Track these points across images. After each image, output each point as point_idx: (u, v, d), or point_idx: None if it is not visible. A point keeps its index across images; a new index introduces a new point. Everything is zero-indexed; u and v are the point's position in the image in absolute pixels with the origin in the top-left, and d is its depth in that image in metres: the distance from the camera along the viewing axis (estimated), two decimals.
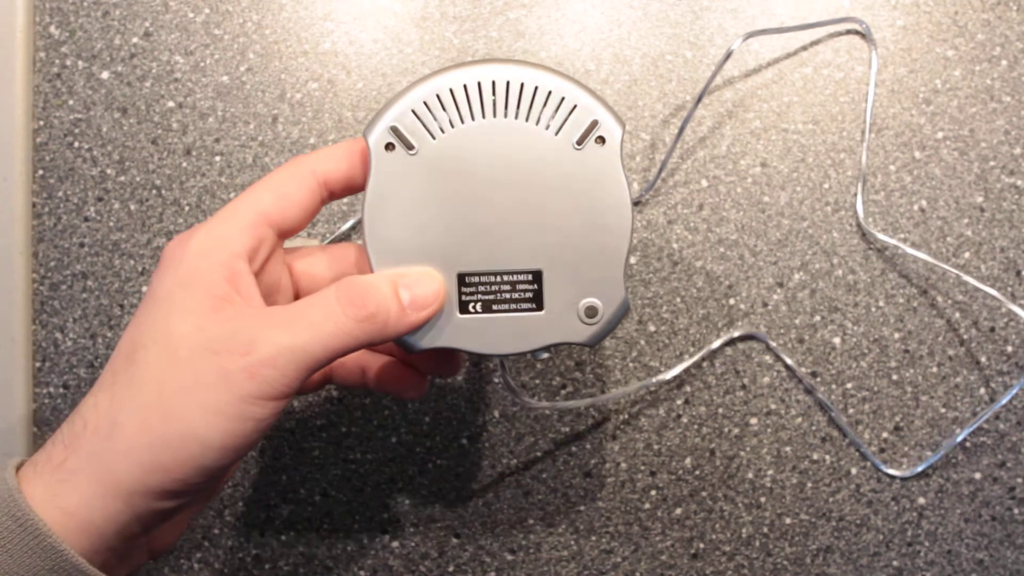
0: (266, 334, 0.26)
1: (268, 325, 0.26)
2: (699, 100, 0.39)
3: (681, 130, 0.40)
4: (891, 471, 0.41)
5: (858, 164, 0.41)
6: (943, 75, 0.42)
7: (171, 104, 0.42)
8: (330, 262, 0.32)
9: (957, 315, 0.41)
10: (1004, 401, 0.40)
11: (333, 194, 0.30)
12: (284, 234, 0.29)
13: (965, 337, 0.41)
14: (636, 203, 0.41)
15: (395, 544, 0.42)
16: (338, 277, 0.31)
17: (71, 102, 0.42)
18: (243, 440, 0.26)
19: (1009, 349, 0.41)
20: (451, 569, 0.41)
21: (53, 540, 0.24)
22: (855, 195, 0.41)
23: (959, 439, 0.41)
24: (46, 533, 0.24)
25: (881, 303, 0.41)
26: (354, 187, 0.30)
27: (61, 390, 0.41)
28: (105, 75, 0.42)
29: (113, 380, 0.26)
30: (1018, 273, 0.41)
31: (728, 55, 0.39)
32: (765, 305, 0.41)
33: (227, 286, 0.27)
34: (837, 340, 0.41)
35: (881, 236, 0.41)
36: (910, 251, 0.40)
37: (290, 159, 0.30)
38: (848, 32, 0.42)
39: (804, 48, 0.42)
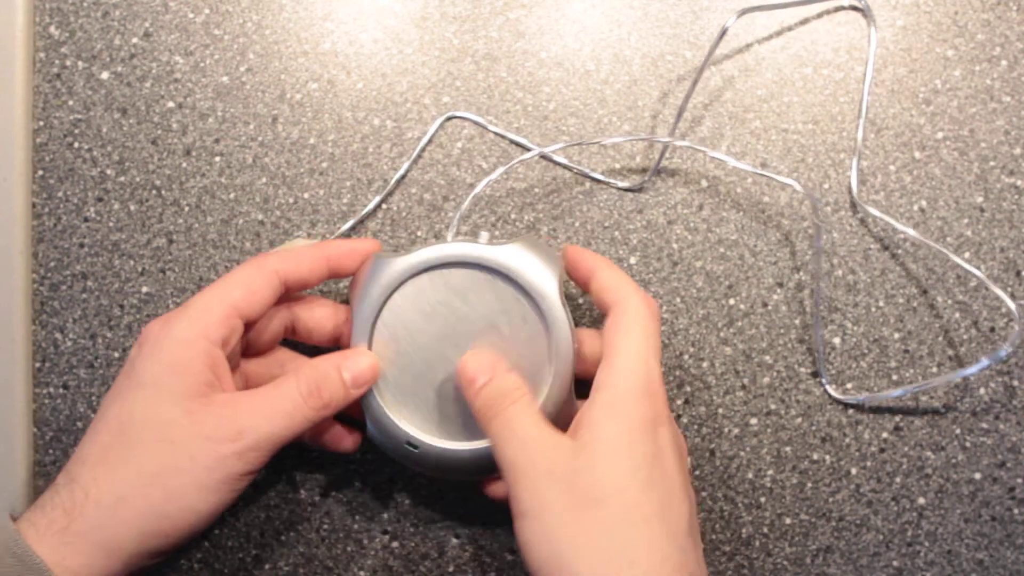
0: (251, 423, 0.31)
1: (250, 415, 0.32)
2: (704, 65, 0.39)
3: (689, 92, 0.40)
4: (834, 393, 0.41)
5: (859, 163, 0.41)
6: (943, 75, 0.42)
7: (171, 104, 0.42)
8: (332, 313, 0.37)
9: (957, 315, 0.41)
10: (973, 370, 0.39)
11: (289, 291, 0.36)
12: (249, 323, 0.34)
13: (965, 337, 0.41)
14: (639, 189, 0.41)
15: (395, 544, 0.42)
16: (339, 325, 0.37)
17: (71, 102, 0.42)
18: (226, 506, 0.32)
19: (1009, 349, 0.41)
20: (451, 569, 0.41)
21: None
22: (855, 195, 0.41)
23: (914, 389, 0.41)
24: None
25: (881, 303, 0.41)
26: (307, 286, 0.36)
27: (61, 390, 0.41)
28: (105, 75, 0.42)
29: (106, 455, 0.31)
30: (1018, 273, 0.41)
31: (723, 32, 0.38)
32: (765, 305, 0.41)
33: (210, 373, 0.32)
34: (837, 340, 0.41)
35: (873, 211, 0.41)
36: (900, 227, 0.41)
37: (254, 257, 0.35)
38: (847, 8, 0.42)
39: (804, 48, 0.42)
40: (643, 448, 0.30)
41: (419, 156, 0.41)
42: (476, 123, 0.41)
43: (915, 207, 0.41)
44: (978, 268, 0.41)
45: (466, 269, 0.34)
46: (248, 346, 0.37)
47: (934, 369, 0.41)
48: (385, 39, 0.42)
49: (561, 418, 0.34)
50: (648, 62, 0.42)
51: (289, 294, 0.36)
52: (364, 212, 0.41)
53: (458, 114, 0.41)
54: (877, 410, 0.41)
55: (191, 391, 0.31)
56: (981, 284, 0.41)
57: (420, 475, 0.41)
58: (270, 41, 0.42)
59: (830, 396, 0.41)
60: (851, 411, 0.41)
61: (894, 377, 0.41)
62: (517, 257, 0.34)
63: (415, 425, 0.35)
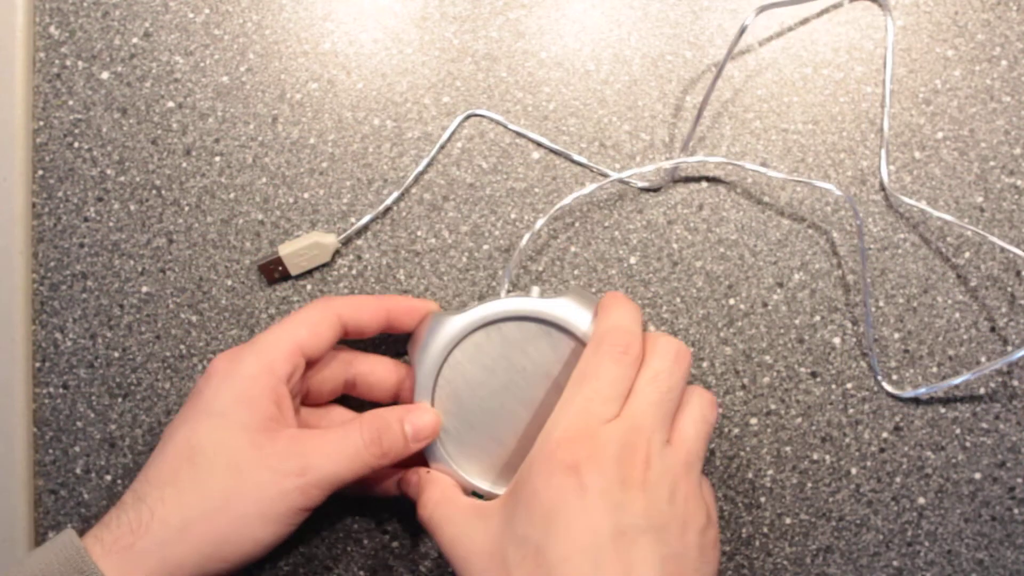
0: (316, 461, 0.33)
1: (316, 453, 0.33)
2: (720, 70, 0.39)
3: (706, 98, 0.40)
4: (889, 388, 0.41)
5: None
6: (943, 75, 0.42)
7: (171, 104, 0.42)
8: (393, 370, 0.39)
9: (957, 315, 0.41)
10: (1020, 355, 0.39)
11: (347, 335, 0.37)
12: (311, 361, 0.36)
13: (965, 337, 0.41)
14: (657, 190, 0.41)
15: (395, 544, 0.42)
16: (398, 383, 0.38)
17: (71, 102, 0.42)
18: (282, 539, 0.33)
19: (1009, 349, 0.41)
20: (451, 569, 0.41)
21: None
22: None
23: (970, 377, 0.41)
24: None
25: (881, 303, 0.41)
26: (364, 335, 0.37)
27: (61, 390, 0.41)
28: (105, 75, 0.42)
29: (175, 477, 0.32)
30: (1018, 273, 0.41)
31: (743, 30, 0.38)
32: (765, 305, 0.41)
33: (275, 408, 0.33)
34: (837, 340, 0.41)
35: (905, 199, 0.41)
36: (935, 213, 0.41)
37: (320, 299, 0.37)
38: None
39: (804, 48, 0.42)
40: (549, 496, 0.30)
41: (437, 153, 0.41)
42: (496, 121, 0.41)
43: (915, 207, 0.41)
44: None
45: (521, 322, 0.36)
46: (308, 394, 0.38)
47: (934, 369, 0.41)
48: (385, 39, 0.42)
49: None
50: (648, 62, 0.42)
51: (346, 336, 0.37)
52: (383, 207, 0.41)
53: (478, 112, 0.41)
54: (877, 411, 0.41)
55: (258, 424, 0.33)
56: (981, 284, 0.41)
57: None
58: (270, 41, 0.42)
59: (887, 392, 0.41)
60: (851, 411, 0.41)
61: (894, 377, 0.41)
62: (569, 309, 0.35)
63: (479, 476, 0.37)
